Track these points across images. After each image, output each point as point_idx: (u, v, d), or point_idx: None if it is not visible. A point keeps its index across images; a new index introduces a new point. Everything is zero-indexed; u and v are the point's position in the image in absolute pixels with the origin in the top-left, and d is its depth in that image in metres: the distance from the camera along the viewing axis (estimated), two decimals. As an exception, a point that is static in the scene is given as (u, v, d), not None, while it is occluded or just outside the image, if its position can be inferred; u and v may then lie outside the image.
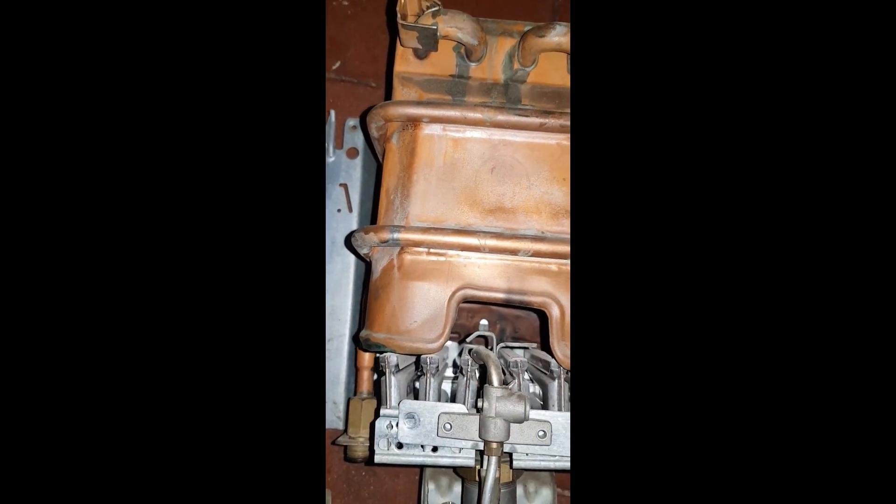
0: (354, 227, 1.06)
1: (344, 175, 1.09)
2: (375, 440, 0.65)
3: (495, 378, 0.62)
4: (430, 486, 0.88)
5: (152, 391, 0.39)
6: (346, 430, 0.91)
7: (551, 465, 0.65)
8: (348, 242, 0.77)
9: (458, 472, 0.76)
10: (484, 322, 0.91)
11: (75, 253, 0.38)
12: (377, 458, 0.65)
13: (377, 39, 1.15)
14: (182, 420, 0.39)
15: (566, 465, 0.65)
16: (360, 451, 0.87)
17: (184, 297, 0.40)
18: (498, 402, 0.61)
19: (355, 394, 0.93)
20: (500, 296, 0.68)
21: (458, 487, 0.86)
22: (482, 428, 0.61)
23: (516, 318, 1.02)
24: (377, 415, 0.66)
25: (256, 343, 0.42)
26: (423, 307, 0.68)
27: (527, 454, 0.64)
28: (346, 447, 0.88)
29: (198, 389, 0.40)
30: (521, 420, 0.61)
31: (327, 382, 1.03)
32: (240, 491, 0.40)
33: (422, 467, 0.91)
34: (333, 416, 1.02)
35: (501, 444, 0.61)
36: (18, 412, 0.36)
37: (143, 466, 0.38)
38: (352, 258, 1.05)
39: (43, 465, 0.36)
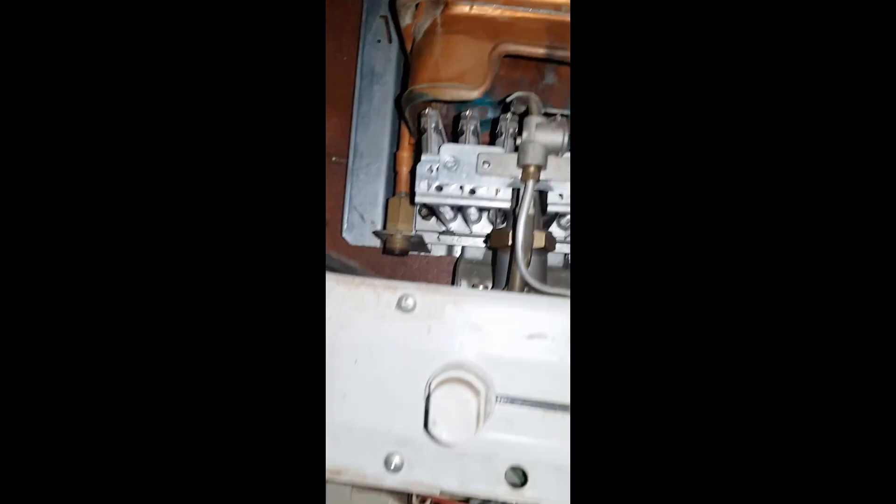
0: (393, 57, 1.08)
1: (384, 7, 1.10)
2: (417, 183, 0.68)
3: (535, 108, 0.63)
4: (462, 283, 0.91)
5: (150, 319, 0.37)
6: (384, 228, 0.95)
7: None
8: (392, 7, 0.77)
9: (491, 242, 0.78)
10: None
11: (56, 220, 0.36)
12: (418, 199, 0.68)
13: None
14: (181, 352, 0.38)
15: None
16: (399, 242, 0.91)
17: (183, 221, 0.38)
18: (537, 129, 0.63)
19: (394, 194, 0.96)
20: (542, 51, 0.69)
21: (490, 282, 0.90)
22: (520, 154, 0.63)
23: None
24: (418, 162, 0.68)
25: (259, 272, 0.39)
26: (465, 58, 0.69)
27: (561, 195, 0.66)
28: (384, 239, 0.92)
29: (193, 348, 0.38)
30: (559, 149, 0.63)
31: (366, 204, 1.07)
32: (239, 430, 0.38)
33: (455, 268, 0.95)
34: (370, 234, 1.06)
35: (539, 168, 0.63)
36: (16, 411, 0.35)
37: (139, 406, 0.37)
38: (391, 87, 1.07)
39: (36, 448, 0.36)
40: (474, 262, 0.94)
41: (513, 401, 0.55)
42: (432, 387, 0.50)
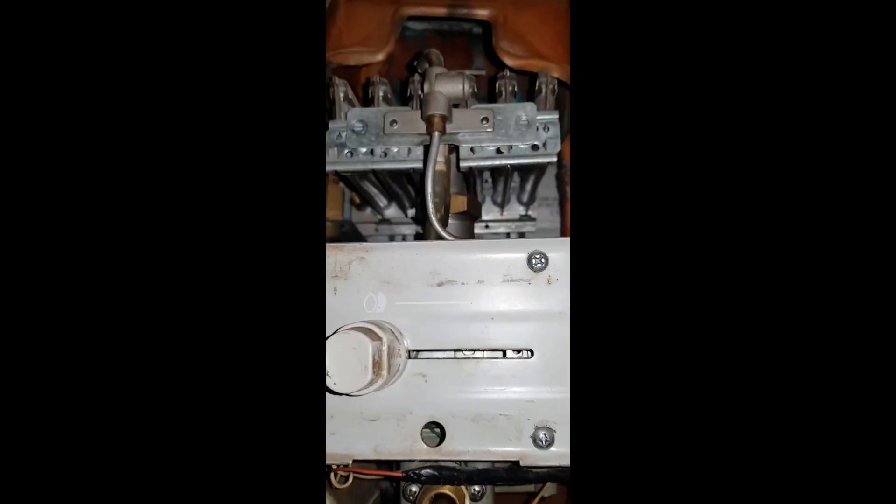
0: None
1: None
2: (326, 151, 0.66)
3: (435, 60, 0.62)
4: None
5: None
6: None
7: (497, 162, 0.65)
8: None
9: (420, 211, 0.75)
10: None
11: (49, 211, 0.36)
12: (329, 168, 0.66)
13: None
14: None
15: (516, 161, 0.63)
16: (328, 230, 0.88)
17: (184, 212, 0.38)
18: (437, 80, 0.61)
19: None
20: (443, 10, 0.68)
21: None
22: (424, 106, 0.61)
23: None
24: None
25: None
26: (367, 24, 0.68)
27: (472, 149, 0.64)
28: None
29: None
30: (462, 98, 0.62)
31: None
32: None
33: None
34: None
35: (443, 118, 0.61)
36: (14, 412, 0.35)
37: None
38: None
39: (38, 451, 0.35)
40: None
41: (424, 353, 0.52)
42: (328, 341, 0.47)
